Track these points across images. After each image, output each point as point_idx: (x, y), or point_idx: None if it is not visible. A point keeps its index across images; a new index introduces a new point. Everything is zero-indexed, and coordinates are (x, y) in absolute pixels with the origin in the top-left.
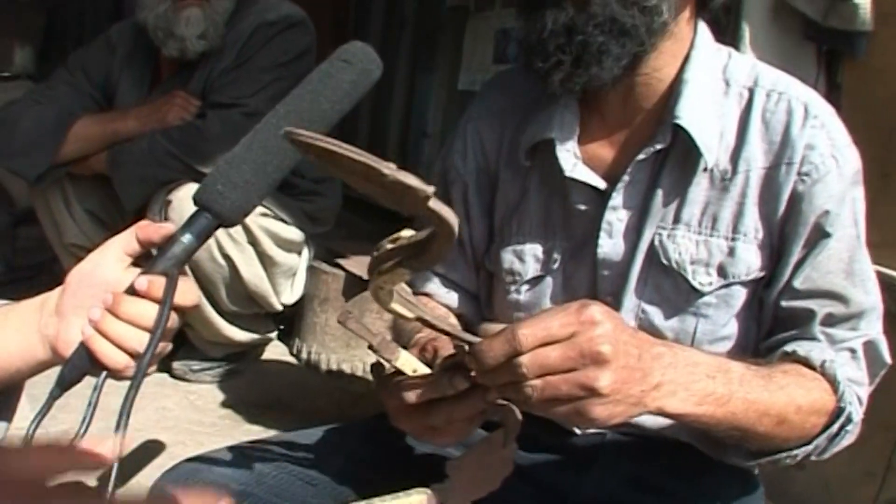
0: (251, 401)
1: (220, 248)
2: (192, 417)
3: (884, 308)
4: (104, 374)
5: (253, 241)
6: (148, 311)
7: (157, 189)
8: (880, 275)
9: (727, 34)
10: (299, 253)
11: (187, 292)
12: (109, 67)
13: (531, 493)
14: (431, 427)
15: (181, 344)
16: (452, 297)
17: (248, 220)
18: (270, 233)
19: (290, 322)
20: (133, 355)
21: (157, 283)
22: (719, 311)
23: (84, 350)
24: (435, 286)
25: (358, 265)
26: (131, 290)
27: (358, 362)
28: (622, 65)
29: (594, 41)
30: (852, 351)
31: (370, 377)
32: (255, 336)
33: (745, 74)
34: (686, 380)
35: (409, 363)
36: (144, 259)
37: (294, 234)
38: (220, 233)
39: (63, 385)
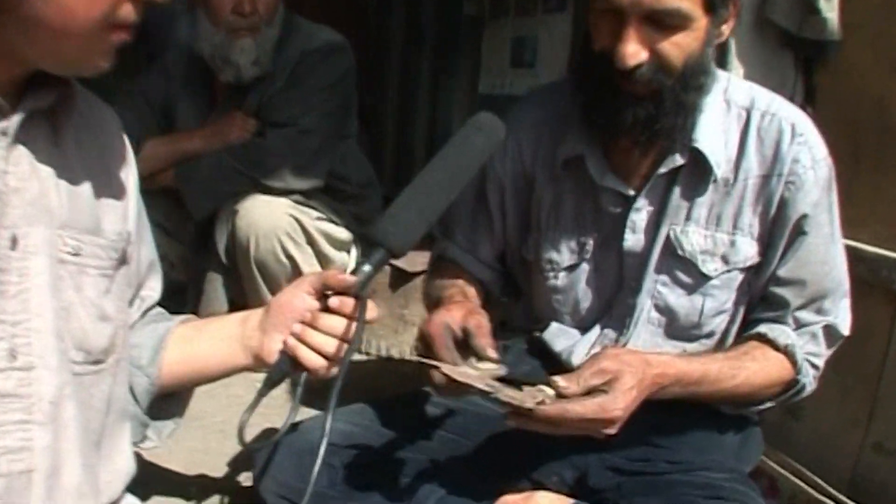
0: (310, 384)
1: (284, 249)
2: (271, 401)
3: (856, 276)
4: (304, 374)
5: (311, 242)
6: (340, 324)
7: (224, 201)
8: (853, 249)
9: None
10: (349, 251)
11: (372, 309)
12: (167, 92)
13: (573, 439)
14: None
15: None
16: (475, 267)
17: (307, 223)
18: (325, 234)
19: None
20: (329, 359)
21: (347, 302)
22: (722, 291)
23: (288, 357)
24: (461, 256)
25: (402, 260)
26: (325, 310)
27: (405, 346)
28: (686, 130)
29: (667, 124)
30: (813, 334)
31: (414, 359)
32: None
33: (743, 96)
34: (673, 392)
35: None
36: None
37: (344, 234)
38: (284, 236)
39: (270, 384)
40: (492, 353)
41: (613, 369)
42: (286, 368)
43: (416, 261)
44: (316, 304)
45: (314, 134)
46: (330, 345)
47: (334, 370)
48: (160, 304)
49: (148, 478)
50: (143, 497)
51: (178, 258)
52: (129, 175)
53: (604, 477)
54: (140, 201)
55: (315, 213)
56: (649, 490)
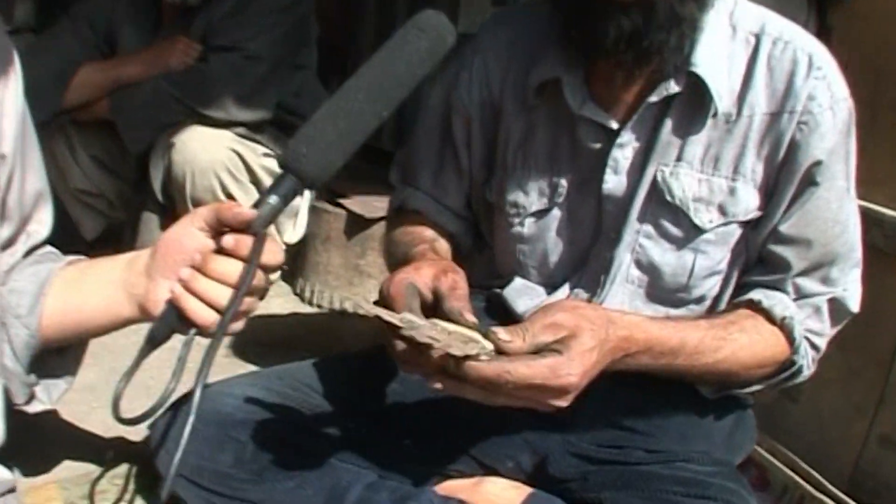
0: (255, 339)
1: (224, 187)
2: (195, 356)
3: (871, 243)
4: (193, 330)
5: (255, 181)
6: (235, 269)
7: (160, 132)
8: (868, 211)
9: None
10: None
11: (273, 251)
12: (112, 16)
13: (531, 416)
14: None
15: None
16: (443, 217)
17: (250, 159)
18: (271, 172)
19: (293, 261)
20: (221, 312)
21: (243, 242)
22: (717, 248)
23: (173, 308)
24: (426, 205)
25: (359, 205)
26: (219, 251)
27: (360, 300)
28: (681, 50)
29: (658, 39)
30: (816, 308)
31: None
32: None
33: (752, 21)
34: (642, 362)
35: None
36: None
37: None
38: (223, 172)
39: (153, 342)
40: (469, 318)
41: (570, 324)
42: (172, 323)
43: (375, 206)
44: (210, 244)
45: (262, 60)
46: (221, 295)
47: (236, 326)
48: (87, 249)
49: (61, 439)
50: (54, 461)
51: (117, 196)
52: (9, 88)
53: (568, 464)
54: (27, 121)
55: (261, 149)
56: (621, 483)
